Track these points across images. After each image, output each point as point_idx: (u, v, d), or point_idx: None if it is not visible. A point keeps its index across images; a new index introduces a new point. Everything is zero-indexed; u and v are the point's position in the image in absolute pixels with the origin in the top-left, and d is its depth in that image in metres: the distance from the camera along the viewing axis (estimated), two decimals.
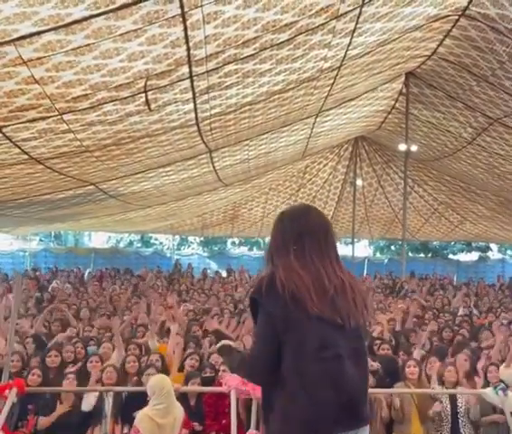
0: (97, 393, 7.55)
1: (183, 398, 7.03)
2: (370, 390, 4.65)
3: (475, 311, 14.10)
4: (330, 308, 3.09)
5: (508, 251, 33.75)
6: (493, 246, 33.66)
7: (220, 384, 7.26)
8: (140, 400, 6.75)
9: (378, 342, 9.38)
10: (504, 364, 7.71)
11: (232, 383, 6.36)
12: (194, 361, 8.29)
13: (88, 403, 7.46)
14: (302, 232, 3.25)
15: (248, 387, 6.21)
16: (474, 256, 33.93)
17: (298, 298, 3.06)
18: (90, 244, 35.88)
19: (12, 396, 6.30)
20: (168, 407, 6.31)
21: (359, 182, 22.77)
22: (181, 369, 8.31)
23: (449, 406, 7.58)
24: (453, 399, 7.61)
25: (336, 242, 3.40)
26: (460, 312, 13.56)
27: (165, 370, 7.98)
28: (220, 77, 8.14)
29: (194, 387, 7.56)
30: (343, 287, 3.16)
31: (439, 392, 7.67)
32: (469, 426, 7.54)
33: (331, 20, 8.08)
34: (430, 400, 7.63)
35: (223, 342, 3.69)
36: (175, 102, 8.44)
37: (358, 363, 3.13)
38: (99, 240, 36.44)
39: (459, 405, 7.57)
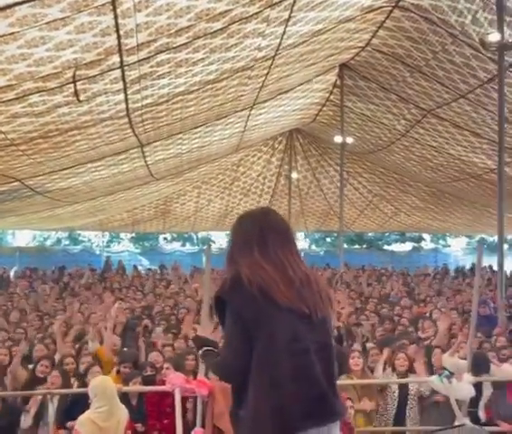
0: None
1: (124, 398, 6.76)
2: None
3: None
4: (298, 299, 3.04)
5: (441, 241, 34.55)
6: (426, 236, 34.42)
7: (163, 383, 7.07)
8: (83, 402, 6.46)
9: None
10: (448, 353, 7.74)
11: (176, 382, 6.21)
12: (127, 368, 8.05)
13: (27, 422, 7.15)
14: (264, 230, 3.22)
15: (192, 385, 6.05)
16: (408, 246, 34.60)
17: (266, 291, 3.01)
18: (14, 243, 34.78)
19: None
20: (111, 409, 6.02)
21: (294, 175, 22.76)
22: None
23: (397, 391, 7.59)
24: (404, 385, 7.61)
25: (296, 239, 3.38)
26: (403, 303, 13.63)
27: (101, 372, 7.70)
28: (152, 66, 7.88)
29: (136, 387, 7.31)
30: (308, 280, 3.12)
31: (389, 381, 7.67)
32: (415, 410, 7.57)
33: (265, 9, 7.94)
34: (373, 392, 7.59)
35: (206, 348, 3.52)
36: (105, 93, 8.13)
37: (324, 356, 3.05)
38: (23, 238, 35.30)
39: (411, 388, 7.59)
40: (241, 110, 13.47)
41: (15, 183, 12.84)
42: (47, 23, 6.09)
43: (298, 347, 2.99)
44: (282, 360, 2.96)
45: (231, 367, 3.12)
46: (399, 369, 7.73)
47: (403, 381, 7.65)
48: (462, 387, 6.76)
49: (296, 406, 2.94)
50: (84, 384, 7.18)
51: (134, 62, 7.52)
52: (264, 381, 2.97)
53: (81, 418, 5.97)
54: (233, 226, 3.35)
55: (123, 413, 6.20)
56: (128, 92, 8.41)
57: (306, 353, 3.00)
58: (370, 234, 33.55)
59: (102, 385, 6.12)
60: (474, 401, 7.19)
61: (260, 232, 3.21)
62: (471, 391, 6.73)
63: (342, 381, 7.44)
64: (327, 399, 3.01)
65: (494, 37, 9.89)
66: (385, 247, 34.10)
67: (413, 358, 7.94)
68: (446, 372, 7.03)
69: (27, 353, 9.17)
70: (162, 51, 7.57)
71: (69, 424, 6.85)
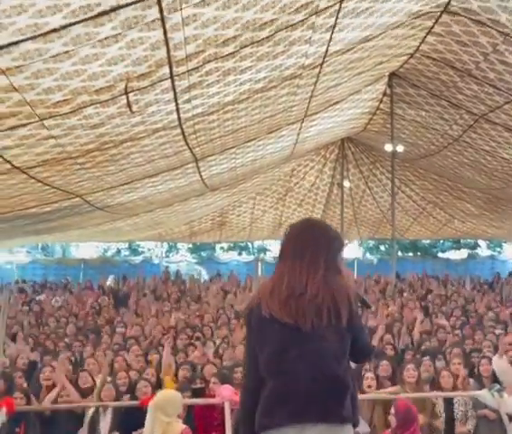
0: None
1: None
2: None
3: None
4: (283, 311, 3.18)
5: (497, 248, 33.87)
6: (482, 243, 33.80)
7: (212, 396, 7.16)
8: (136, 415, 6.64)
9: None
10: (496, 355, 7.70)
11: (225, 394, 6.30)
12: (185, 371, 8.23)
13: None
14: (286, 244, 3.43)
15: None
16: (463, 253, 34.06)
17: (259, 305, 3.25)
18: (78, 255, 35.63)
19: (1, 415, 6.19)
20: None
21: (346, 183, 22.74)
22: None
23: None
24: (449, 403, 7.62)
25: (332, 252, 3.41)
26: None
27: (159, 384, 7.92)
28: (201, 76, 8.10)
29: (185, 400, 7.36)
30: (305, 291, 3.22)
31: (435, 395, 7.62)
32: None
33: (310, 16, 8.08)
34: (426, 405, 7.54)
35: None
36: (157, 102, 8.39)
37: (315, 360, 3.14)
38: (86, 250, 36.19)
39: (456, 411, 7.55)
40: (293, 123, 13.59)
41: (76, 199, 13.23)
42: (99, 40, 6.35)
43: (283, 357, 3.14)
44: (267, 366, 3.20)
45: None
46: (445, 386, 7.71)
47: (454, 394, 7.61)
48: None
49: (264, 403, 3.15)
50: (134, 398, 7.41)
51: (183, 72, 7.76)
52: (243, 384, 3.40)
53: None
54: None
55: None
56: (179, 101, 8.66)
57: (290, 361, 3.13)
58: (424, 242, 33.10)
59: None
60: None
61: (284, 246, 3.43)
62: None
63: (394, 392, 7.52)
64: (308, 399, 3.09)
65: None
66: (440, 254, 33.61)
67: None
68: (497, 386, 7.00)
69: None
70: (210, 61, 7.79)
71: None
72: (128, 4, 5.90)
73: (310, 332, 3.12)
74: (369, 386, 7.80)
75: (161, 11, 6.25)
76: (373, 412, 7.58)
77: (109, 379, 8.19)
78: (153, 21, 6.40)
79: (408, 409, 6.53)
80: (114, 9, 5.89)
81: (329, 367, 3.14)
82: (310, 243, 3.33)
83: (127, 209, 16.50)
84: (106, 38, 6.34)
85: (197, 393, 7.74)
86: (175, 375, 8.52)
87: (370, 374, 7.92)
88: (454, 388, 7.73)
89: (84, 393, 7.97)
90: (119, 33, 6.37)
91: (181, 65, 7.59)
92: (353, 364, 3.50)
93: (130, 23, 6.25)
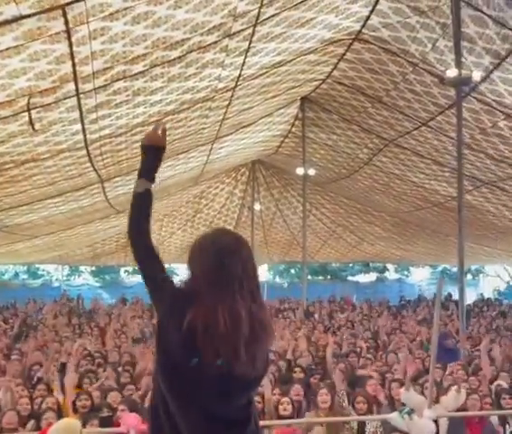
0: None
1: None
2: None
3: None
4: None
5: (405, 271, 34.69)
6: (390, 266, 34.59)
7: (118, 424, 6.82)
8: None
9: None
10: (404, 388, 7.63)
11: (130, 422, 6.00)
12: (84, 401, 7.73)
13: None
14: (204, 265, 2.56)
15: (147, 426, 5.82)
16: (372, 277, 34.74)
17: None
18: None
19: None
20: None
21: (257, 206, 22.68)
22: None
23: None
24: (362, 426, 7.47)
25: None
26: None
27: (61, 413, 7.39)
28: (108, 94, 7.72)
29: (93, 429, 6.91)
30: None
31: (349, 419, 7.50)
32: None
33: (223, 38, 7.88)
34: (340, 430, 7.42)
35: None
36: (62, 122, 7.94)
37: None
38: None
39: (367, 431, 7.45)
40: (203, 145, 13.35)
41: None
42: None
43: None
44: None
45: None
46: (359, 412, 7.61)
47: (365, 418, 7.50)
48: (423, 423, 6.64)
49: None
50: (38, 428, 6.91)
51: (90, 90, 7.37)
52: None
53: None
54: None
55: None
56: (85, 121, 8.23)
57: None
58: (334, 265, 33.51)
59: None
60: None
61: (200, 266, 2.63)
62: (432, 428, 6.60)
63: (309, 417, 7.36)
64: None
65: (451, 73, 9.81)
66: (350, 278, 34.08)
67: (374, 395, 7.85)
68: (407, 408, 6.89)
69: None
70: (118, 79, 7.44)
71: None
72: (31, 15, 5.51)
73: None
74: (285, 410, 7.59)
75: (66, 23, 5.90)
76: None
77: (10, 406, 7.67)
78: (58, 33, 6.06)
79: None
80: (16, 19, 5.51)
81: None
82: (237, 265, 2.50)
83: (26, 229, 15.75)
84: (7, 49, 5.94)
85: (105, 422, 7.30)
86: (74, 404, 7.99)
87: (286, 399, 7.71)
88: (368, 411, 7.64)
89: None
90: (22, 45, 5.98)
91: (87, 82, 7.19)
92: None
93: (34, 34, 5.87)
